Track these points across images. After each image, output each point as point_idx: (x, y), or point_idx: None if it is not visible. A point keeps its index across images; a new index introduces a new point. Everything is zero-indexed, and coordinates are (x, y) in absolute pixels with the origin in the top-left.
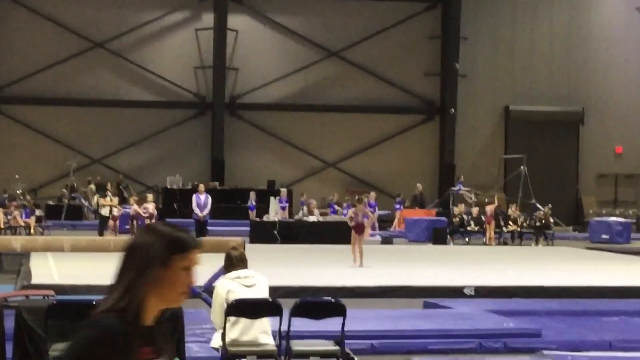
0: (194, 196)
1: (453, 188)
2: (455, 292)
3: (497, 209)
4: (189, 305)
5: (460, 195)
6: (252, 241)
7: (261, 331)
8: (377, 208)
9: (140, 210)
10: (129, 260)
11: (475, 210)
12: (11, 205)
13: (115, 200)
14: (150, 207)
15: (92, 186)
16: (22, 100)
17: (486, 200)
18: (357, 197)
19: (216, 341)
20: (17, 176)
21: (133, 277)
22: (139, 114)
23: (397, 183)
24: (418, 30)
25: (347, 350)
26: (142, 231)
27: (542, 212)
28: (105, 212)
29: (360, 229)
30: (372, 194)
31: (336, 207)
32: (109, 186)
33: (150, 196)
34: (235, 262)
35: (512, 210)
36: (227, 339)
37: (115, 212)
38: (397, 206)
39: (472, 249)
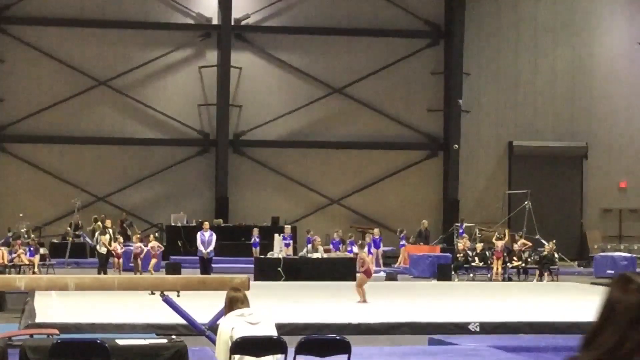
0: (198, 233)
1: (457, 224)
2: (461, 329)
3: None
4: (194, 343)
5: (466, 230)
6: (256, 278)
7: None
8: (381, 244)
9: (142, 246)
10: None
11: (479, 246)
12: (16, 243)
13: (120, 239)
14: (150, 246)
15: (100, 224)
16: (26, 139)
17: (496, 235)
18: (360, 242)
19: None
20: (21, 214)
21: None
22: (143, 152)
23: (401, 219)
24: (421, 66)
25: None
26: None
27: (547, 248)
28: (103, 250)
29: (369, 273)
30: (377, 230)
31: (341, 244)
32: (108, 224)
33: (151, 236)
34: (237, 303)
35: (518, 246)
36: None
37: (119, 249)
38: (402, 242)
39: (476, 284)
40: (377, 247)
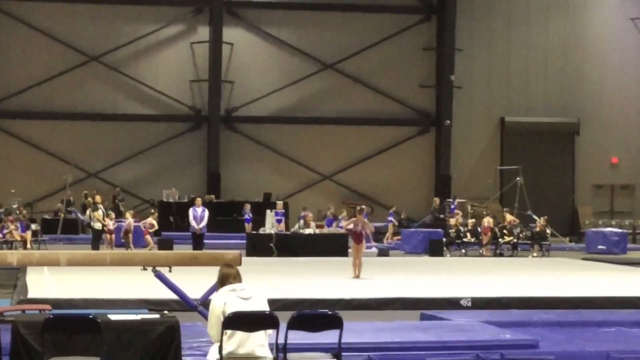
0: (190, 209)
1: (449, 200)
2: (452, 304)
3: (494, 220)
4: (186, 318)
5: (458, 206)
6: (248, 254)
7: (258, 344)
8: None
9: (140, 225)
10: None
11: (471, 222)
12: (7, 219)
13: (112, 214)
14: (148, 221)
15: (90, 199)
16: (18, 115)
17: (484, 212)
18: (358, 208)
19: (213, 354)
20: (12, 190)
21: None
22: (135, 128)
23: (393, 195)
24: (413, 42)
25: None
26: None
27: (538, 223)
28: (97, 226)
29: (358, 237)
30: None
31: (334, 219)
32: (98, 199)
33: (154, 214)
34: (229, 279)
35: (509, 221)
36: (224, 352)
37: (111, 225)
38: (389, 218)
39: (468, 260)
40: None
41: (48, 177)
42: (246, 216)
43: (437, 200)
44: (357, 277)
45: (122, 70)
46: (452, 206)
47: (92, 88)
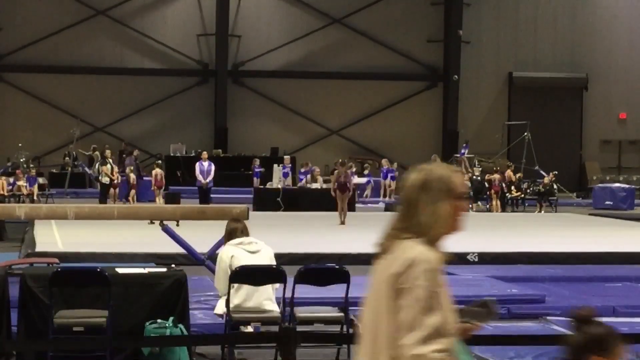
0: (197, 164)
1: (456, 155)
2: (459, 259)
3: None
4: (193, 272)
5: (463, 160)
6: (255, 209)
7: (265, 298)
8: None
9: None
10: None
11: (467, 176)
12: (16, 173)
13: (116, 167)
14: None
15: (97, 153)
16: (25, 69)
17: (495, 168)
18: (340, 160)
19: (220, 308)
20: (20, 144)
21: None
22: (142, 82)
23: (400, 150)
24: None
25: (351, 317)
26: None
27: (546, 179)
28: (105, 180)
29: (343, 188)
30: (385, 161)
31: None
32: (108, 154)
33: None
34: (237, 233)
35: (515, 178)
36: (231, 306)
37: (116, 179)
38: (392, 174)
39: (475, 215)
40: (384, 177)
41: (55, 131)
42: (255, 170)
43: (435, 156)
44: (343, 223)
45: (129, 24)
46: (463, 150)
47: (99, 42)
